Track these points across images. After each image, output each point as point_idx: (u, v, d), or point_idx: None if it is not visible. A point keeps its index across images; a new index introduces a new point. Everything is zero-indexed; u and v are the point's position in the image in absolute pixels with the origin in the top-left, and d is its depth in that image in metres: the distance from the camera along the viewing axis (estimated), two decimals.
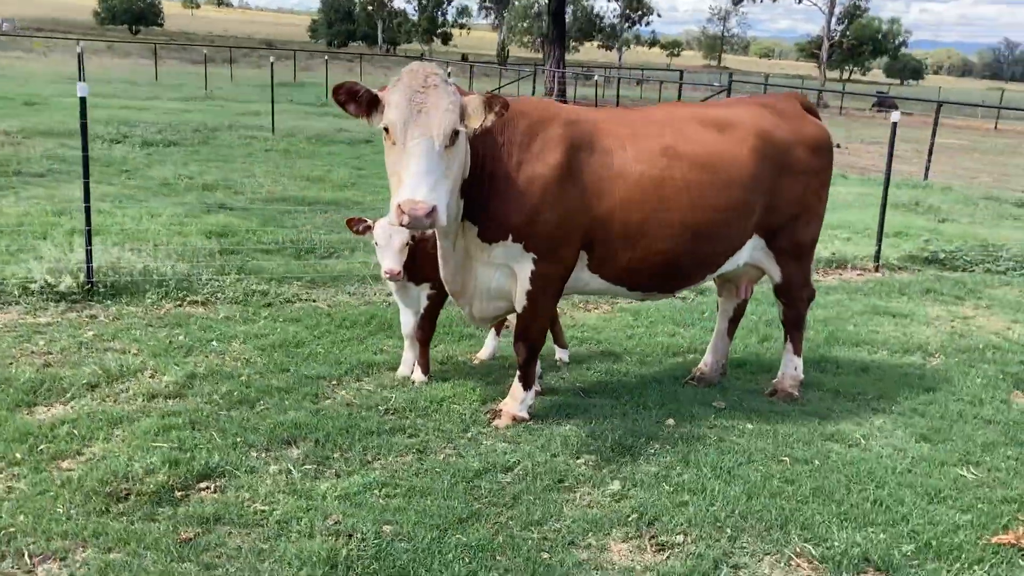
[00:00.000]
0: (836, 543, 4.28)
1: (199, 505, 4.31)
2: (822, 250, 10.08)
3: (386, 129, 4.61)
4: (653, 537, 4.29)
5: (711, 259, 5.56)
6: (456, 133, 4.55)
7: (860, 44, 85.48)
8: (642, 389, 6.12)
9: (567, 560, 4.05)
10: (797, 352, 6.17)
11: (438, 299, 5.96)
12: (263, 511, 4.29)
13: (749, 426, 5.61)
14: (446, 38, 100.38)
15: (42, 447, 4.78)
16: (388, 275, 5.56)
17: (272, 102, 20.80)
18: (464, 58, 72.24)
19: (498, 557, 4.03)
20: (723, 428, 5.57)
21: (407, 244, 5.58)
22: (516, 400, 5.48)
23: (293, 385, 5.79)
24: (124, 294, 7.48)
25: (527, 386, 5.49)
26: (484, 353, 6.55)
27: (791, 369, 6.17)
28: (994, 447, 5.53)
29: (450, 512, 4.35)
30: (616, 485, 4.73)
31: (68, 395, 5.46)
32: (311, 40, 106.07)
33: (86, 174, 7.66)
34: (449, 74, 5.06)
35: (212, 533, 4.09)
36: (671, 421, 5.61)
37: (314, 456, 4.87)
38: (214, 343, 6.50)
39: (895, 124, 10.65)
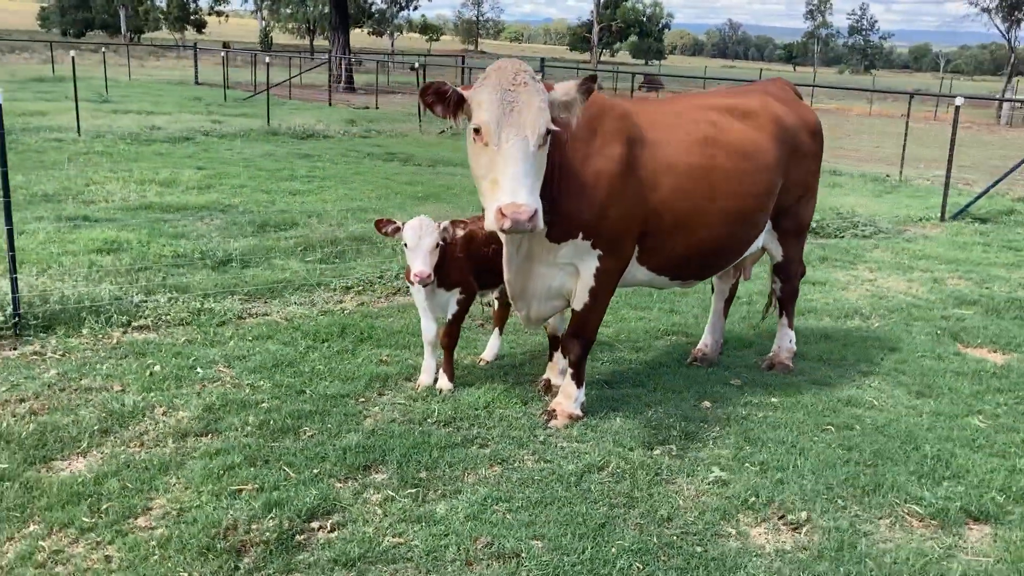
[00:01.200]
0: (932, 500, 4.60)
1: (328, 547, 3.97)
2: None
3: (476, 130, 4.42)
4: (781, 517, 4.43)
5: (744, 243, 5.75)
6: (548, 132, 4.43)
7: (627, 27, 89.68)
8: (656, 375, 6.24)
9: (726, 551, 4.09)
10: (791, 326, 6.51)
11: (467, 304, 5.78)
12: (401, 543, 4.02)
13: (774, 400, 5.87)
14: (200, 26, 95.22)
15: (104, 507, 4.21)
16: (418, 278, 5.33)
17: (76, 100, 18.97)
18: (226, 46, 68.93)
19: (663, 558, 4.01)
20: (754, 405, 5.79)
21: (438, 247, 5.37)
22: (570, 398, 5.43)
23: (323, 407, 5.42)
24: (57, 325, 6.65)
25: (580, 383, 5.45)
26: (489, 354, 6.42)
27: (786, 342, 6.51)
28: (981, 396, 6.11)
29: (585, 519, 4.28)
30: (716, 472, 4.81)
31: (83, 444, 4.83)
32: (42, 29, 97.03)
33: None
34: (542, 72, 4.89)
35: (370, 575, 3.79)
36: (707, 403, 5.77)
37: (404, 479, 4.61)
38: (198, 370, 5.94)
39: None
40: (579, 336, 5.37)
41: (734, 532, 4.28)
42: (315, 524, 4.17)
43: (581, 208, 4.90)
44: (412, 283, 5.60)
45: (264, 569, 3.80)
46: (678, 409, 5.64)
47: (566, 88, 4.54)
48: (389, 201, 12.44)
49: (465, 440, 5.07)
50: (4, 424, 4.98)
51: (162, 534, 4.00)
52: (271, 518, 4.13)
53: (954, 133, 13.70)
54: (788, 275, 6.36)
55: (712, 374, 6.33)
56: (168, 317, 6.96)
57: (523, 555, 3.94)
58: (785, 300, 6.47)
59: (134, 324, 6.81)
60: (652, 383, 6.06)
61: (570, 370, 5.45)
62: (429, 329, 5.84)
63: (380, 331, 6.85)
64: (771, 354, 6.56)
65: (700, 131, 5.38)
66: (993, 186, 14.07)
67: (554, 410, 5.40)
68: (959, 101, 14.41)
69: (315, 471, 4.62)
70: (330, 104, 31.63)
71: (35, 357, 6.11)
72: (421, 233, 5.37)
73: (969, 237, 11.93)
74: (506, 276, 5.20)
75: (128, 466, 4.60)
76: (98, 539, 3.97)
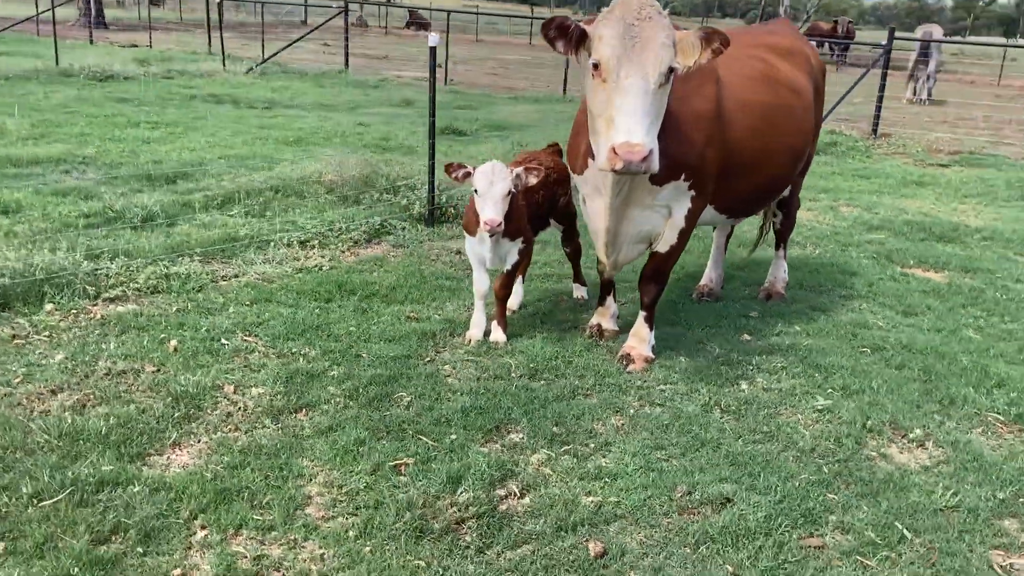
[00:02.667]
0: (1004, 407, 5.08)
1: (537, 514, 3.79)
2: None
3: (595, 65, 4.24)
4: (905, 436, 4.72)
5: (790, 179, 5.95)
6: (671, 71, 4.31)
7: None
8: (679, 313, 6.37)
9: (886, 472, 4.32)
10: (785, 257, 6.85)
11: (528, 253, 5.60)
12: (600, 502, 3.91)
13: (798, 328, 6.19)
14: None
15: (264, 500, 3.77)
16: (488, 227, 5.08)
17: None
18: None
19: (843, 487, 4.17)
20: (786, 334, 6.08)
21: (509, 194, 5.15)
22: (644, 341, 5.44)
23: (395, 371, 5.08)
24: (13, 302, 5.73)
25: (652, 325, 5.46)
26: (514, 302, 6.21)
27: (782, 273, 6.84)
28: (956, 312, 6.76)
29: (748, 458, 4.35)
30: (821, 400, 5.03)
31: (171, 435, 4.26)
32: None
33: None
34: (667, 5, 4.69)
35: (612, 543, 3.66)
36: (746, 336, 5.98)
37: (542, 437, 4.45)
38: (223, 342, 5.37)
39: (433, 48, 10.41)
40: (658, 278, 5.37)
41: (876, 455, 4.51)
42: (501, 492, 3.95)
43: (684, 150, 4.85)
44: (473, 233, 5.35)
45: (496, 543, 3.58)
46: (728, 343, 5.80)
47: (691, 35, 4.40)
48: (263, 146, 11.60)
49: (569, 391, 4.96)
50: (68, 421, 4.27)
51: (355, 523, 3.65)
52: (462, 491, 3.87)
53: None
54: (790, 210, 6.66)
55: (726, 308, 6.55)
56: (136, 286, 6.17)
57: (733, 499, 3.96)
58: (784, 232, 6.78)
59: (104, 296, 5.99)
60: (683, 321, 6.18)
61: (644, 313, 5.45)
62: (483, 281, 5.60)
63: (379, 287, 6.47)
64: (767, 284, 6.87)
65: (758, 69, 5.47)
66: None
67: (628, 354, 5.39)
68: None
69: (452, 437, 4.36)
70: (91, 42, 28.64)
71: (19, 341, 5.25)
72: (493, 179, 5.11)
73: (824, 168, 12.94)
74: (597, 223, 5.08)
75: (246, 453, 4.12)
76: (291, 537, 3.55)
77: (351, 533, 3.58)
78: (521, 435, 4.47)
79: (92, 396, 4.58)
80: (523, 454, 4.28)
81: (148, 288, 6.18)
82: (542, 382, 5.08)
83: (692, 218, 5.15)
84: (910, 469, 4.38)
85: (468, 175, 5.22)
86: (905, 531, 3.81)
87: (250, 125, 13.38)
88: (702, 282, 6.82)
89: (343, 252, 7.40)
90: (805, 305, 6.70)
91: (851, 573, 3.54)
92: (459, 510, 3.76)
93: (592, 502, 3.91)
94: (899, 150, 14.81)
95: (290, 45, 23.04)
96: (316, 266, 6.94)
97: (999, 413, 5.02)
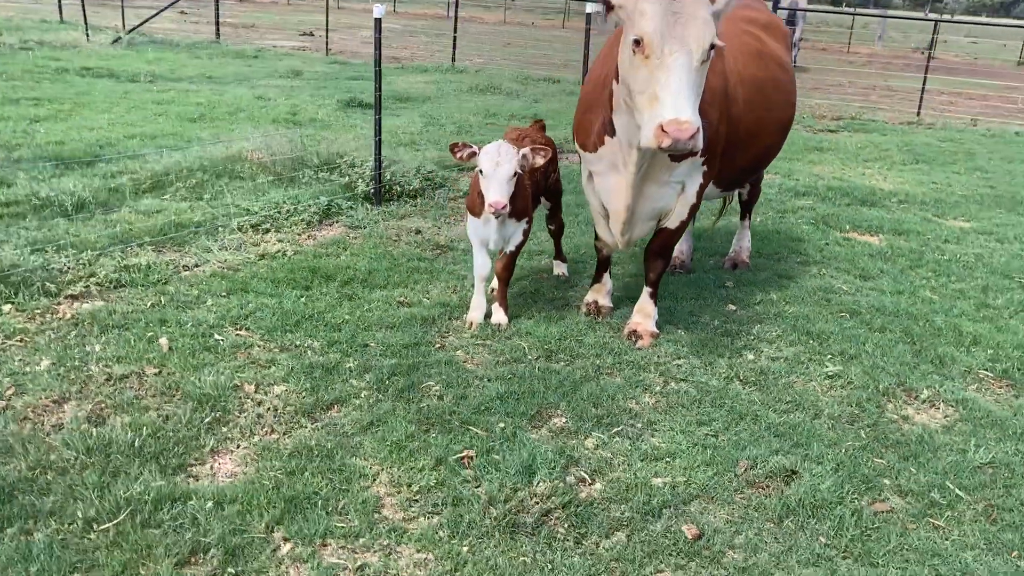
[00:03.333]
0: (989, 363, 5.39)
1: (618, 500, 3.77)
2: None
3: (636, 41, 4.19)
4: (916, 397, 4.94)
5: (778, 151, 6.05)
6: (712, 47, 4.29)
7: None
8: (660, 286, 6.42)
9: (912, 433, 4.50)
10: (749, 226, 7.02)
11: (528, 233, 5.49)
12: (671, 483, 3.92)
13: (774, 296, 6.37)
14: None
15: (339, 505, 3.59)
16: (494, 208, 4.96)
17: None
18: None
19: (884, 450, 4.33)
20: (768, 302, 6.24)
21: (515, 175, 5.05)
22: (650, 317, 5.47)
23: (411, 359, 4.93)
24: None
25: (656, 300, 5.49)
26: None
27: (746, 242, 7.01)
28: (906, 274, 7.11)
29: (790, 429, 4.45)
30: (830, 367, 5.19)
31: (207, 443, 4.00)
32: None
33: None
34: None
35: (700, 524, 3.68)
36: (731, 306, 6.11)
37: (587, 420, 4.42)
38: (216, 337, 5.06)
39: (378, 20, 9.12)
40: (665, 254, 5.40)
41: (898, 417, 4.71)
42: (571, 480, 3.90)
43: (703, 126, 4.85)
44: (478, 214, 5.23)
45: (590, 533, 3.54)
46: (719, 314, 5.92)
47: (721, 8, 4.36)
48: (168, 124, 10.93)
49: (593, 372, 4.94)
50: (91, 434, 3.92)
51: (441, 522, 3.53)
52: (539, 482, 3.80)
53: None
54: (756, 180, 6.81)
55: (701, 279, 6.66)
56: (97, 280, 5.73)
57: (798, 470, 4.04)
58: (750, 202, 6.93)
59: (67, 293, 5.54)
60: (668, 294, 6.24)
61: (649, 289, 5.48)
62: (484, 264, 5.49)
63: (355, 272, 6.24)
64: (732, 254, 7.02)
65: (749, 44, 5.54)
66: None
67: (635, 331, 5.41)
68: None
69: (500, 426, 4.27)
70: None
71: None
72: (500, 159, 4.99)
73: None
74: (616, 201, 5.04)
75: (297, 456, 3.91)
76: (383, 543, 3.41)
77: (442, 534, 3.46)
78: (564, 419, 4.42)
79: (104, 405, 4.23)
80: (576, 438, 4.24)
81: (110, 282, 5.74)
82: (561, 363, 5.04)
83: (701, 192, 5.19)
84: (933, 429, 4.59)
85: (473, 155, 5.08)
86: (957, 491, 4.00)
87: (143, 100, 12.58)
88: (673, 255, 6.89)
89: (300, 236, 7.09)
90: (771, 273, 6.89)
91: (927, 535, 3.68)
92: (541, 501, 3.69)
93: (662, 483, 3.91)
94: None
95: (158, 14, 21.76)
96: (279, 252, 6.61)
97: (987, 370, 5.32)
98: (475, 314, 5.52)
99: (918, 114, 16.79)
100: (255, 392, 4.46)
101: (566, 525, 3.58)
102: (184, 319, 5.24)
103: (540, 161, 5.12)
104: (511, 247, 5.45)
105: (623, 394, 4.70)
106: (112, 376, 4.52)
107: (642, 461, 4.07)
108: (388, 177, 8.37)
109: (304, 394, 4.46)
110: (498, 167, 4.97)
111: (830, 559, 3.49)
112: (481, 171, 5.03)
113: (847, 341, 5.57)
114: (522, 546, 3.43)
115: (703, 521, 3.66)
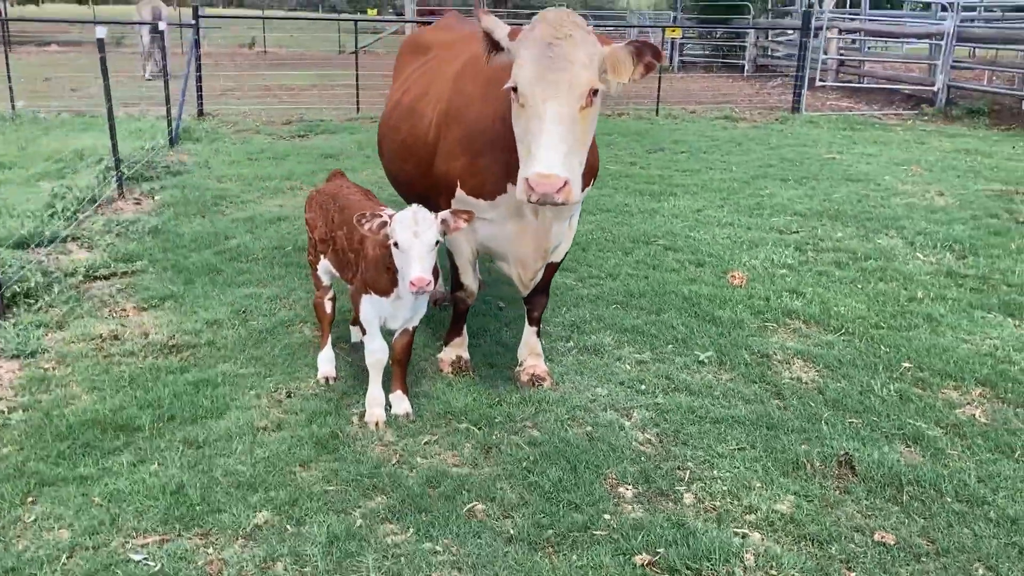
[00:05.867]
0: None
1: (712, 512, 3.89)
2: None
3: (514, 89, 4.00)
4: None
5: None
6: (595, 93, 3.96)
7: None
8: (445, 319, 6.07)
9: (787, 384, 5.20)
10: None
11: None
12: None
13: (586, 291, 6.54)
14: None
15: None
16: (417, 287, 4.19)
17: None
18: None
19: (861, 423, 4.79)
20: (575, 307, 6.37)
21: (437, 243, 4.35)
22: (541, 356, 5.29)
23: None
24: None
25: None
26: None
27: None
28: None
29: (801, 416, 4.85)
30: (702, 354, 5.60)
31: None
32: None
33: None
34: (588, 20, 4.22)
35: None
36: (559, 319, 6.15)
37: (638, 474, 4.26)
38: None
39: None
40: (547, 289, 5.24)
41: (789, 377, 5.34)
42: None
43: (594, 158, 4.70)
44: (388, 293, 4.50)
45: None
46: (557, 330, 5.96)
47: (620, 49, 4.01)
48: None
49: (567, 424, 4.71)
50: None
51: (514, 523, 3.71)
52: (630, 486, 4.05)
53: None
54: None
55: (476, 307, 6.44)
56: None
57: (853, 455, 4.38)
58: None
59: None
60: (476, 328, 5.98)
61: (534, 328, 5.27)
62: (383, 349, 4.70)
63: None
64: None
65: None
66: None
67: (535, 375, 5.16)
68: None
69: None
70: None
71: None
72: (417, 229, 4.27)
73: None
74: (523, 248, 4.74)
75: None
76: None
77: (508, 532, 3.51)
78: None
79: None
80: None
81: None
82: (534, 428, 4.67)
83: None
84: (804, 382, 5.29)
85: (384, 225, 4.31)
86: None
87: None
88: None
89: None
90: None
91: None
92: (627, 514, 3.53)
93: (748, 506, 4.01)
94: (251, 128, 14.61)
95: None
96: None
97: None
98: (376, 411, 4.70)
99: None
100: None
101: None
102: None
103: (463, 225, 4.49)
104: (415, 322, 4.77)
105: (634, 429, 4.56)
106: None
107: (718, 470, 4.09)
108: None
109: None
110: (416, 238, 4.26)
111: None
112: (395, 243, 4.28)
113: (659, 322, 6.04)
114: None
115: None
